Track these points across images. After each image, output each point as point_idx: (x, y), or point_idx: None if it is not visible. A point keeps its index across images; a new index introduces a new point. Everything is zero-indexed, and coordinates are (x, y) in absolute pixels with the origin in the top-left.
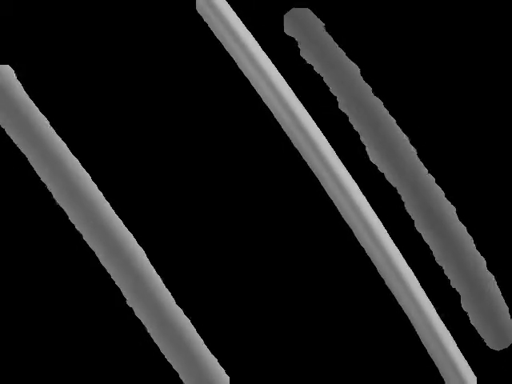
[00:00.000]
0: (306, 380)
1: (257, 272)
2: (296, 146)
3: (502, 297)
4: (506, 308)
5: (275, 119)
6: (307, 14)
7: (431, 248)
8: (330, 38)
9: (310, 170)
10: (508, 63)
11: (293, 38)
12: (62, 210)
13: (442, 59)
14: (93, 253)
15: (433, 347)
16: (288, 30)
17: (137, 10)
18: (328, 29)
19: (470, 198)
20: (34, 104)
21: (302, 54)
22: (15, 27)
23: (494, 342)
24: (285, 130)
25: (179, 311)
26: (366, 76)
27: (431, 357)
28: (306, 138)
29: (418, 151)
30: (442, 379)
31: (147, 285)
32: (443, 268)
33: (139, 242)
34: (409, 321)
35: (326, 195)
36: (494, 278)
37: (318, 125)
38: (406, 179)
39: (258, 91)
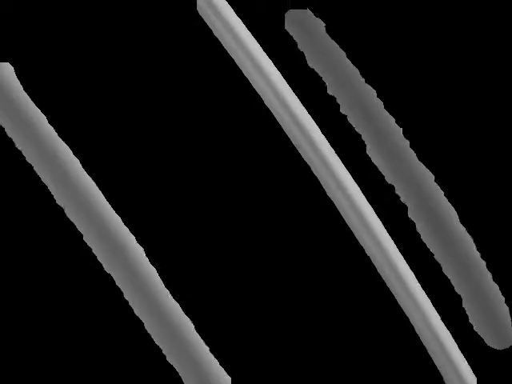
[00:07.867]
0: (306, 380)
1: (257, 272)
2: (295, 145)
3: (502, 297)
4: (507, 308)
5: (275, 119)
6: (307, 15)
7: (431, 248)
8: (331, 39)
9: (309, 168)
10: (508, 63)
11: (293, 38)
12: (61, 209)
13: (443, 59)
14: (94, 253)
15: (433, 347)
16: (289, 30)
17: (137, 10)
18: (328, 29)
19: (469, 198)
20: (33, 102)
21: (304, 54)
22: (15, 26)
23: (495, 342)
24: (284, 129)
25: (180, 312)
26: (368, 78)
27: (431, 357)
28: (306, 136)
29: (416, 151)
30: (443, 379)
31: (148, 286)
32: (443, 268)
33: (140, 242)
34: (409, 321)
35: (326, 195)
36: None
37: (318, 124)
38: (406, 180)
39: (258, 91)
